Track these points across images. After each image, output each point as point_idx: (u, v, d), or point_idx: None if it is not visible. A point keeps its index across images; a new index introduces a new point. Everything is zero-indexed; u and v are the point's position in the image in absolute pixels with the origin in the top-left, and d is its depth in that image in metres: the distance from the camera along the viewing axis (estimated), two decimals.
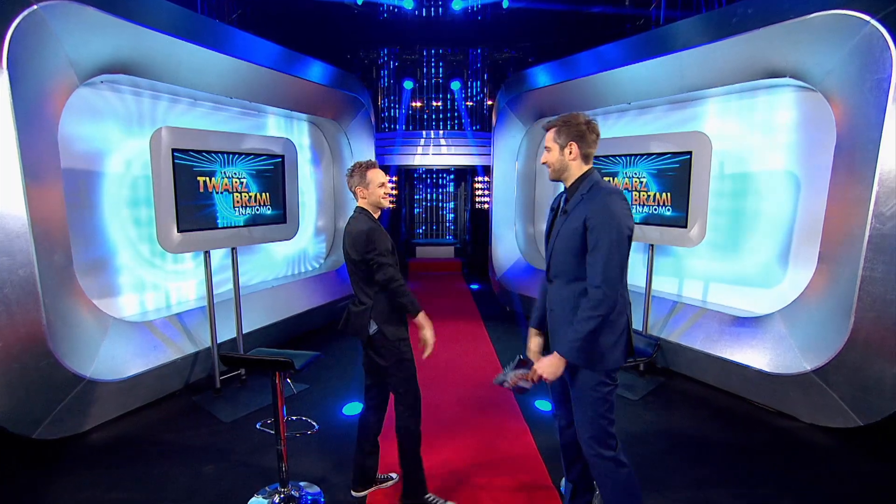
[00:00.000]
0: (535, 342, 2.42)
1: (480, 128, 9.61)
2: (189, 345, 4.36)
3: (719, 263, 4.86)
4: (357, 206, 2.71)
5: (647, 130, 5.30)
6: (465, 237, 11.21)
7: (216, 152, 4.05)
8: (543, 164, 2.20)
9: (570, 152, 2.15)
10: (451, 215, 11.74)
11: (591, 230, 2.01)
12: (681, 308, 4.79)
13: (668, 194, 4.27)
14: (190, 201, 3.88)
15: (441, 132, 9.17)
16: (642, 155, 4.46)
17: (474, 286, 8.94)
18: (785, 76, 3.81)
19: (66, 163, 3.68)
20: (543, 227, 7.22)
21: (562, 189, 2.29)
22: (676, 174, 4.22)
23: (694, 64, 4.37)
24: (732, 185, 4.69)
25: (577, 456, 2.46)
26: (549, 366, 2.12)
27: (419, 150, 8.96)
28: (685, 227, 4.19)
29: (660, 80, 4.75)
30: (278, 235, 4.70)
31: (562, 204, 2.22)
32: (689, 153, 4.11)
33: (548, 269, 2.25)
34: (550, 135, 2.17)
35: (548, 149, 2.18)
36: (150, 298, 4.65)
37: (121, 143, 4.30)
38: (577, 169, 2.16)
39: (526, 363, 2.20)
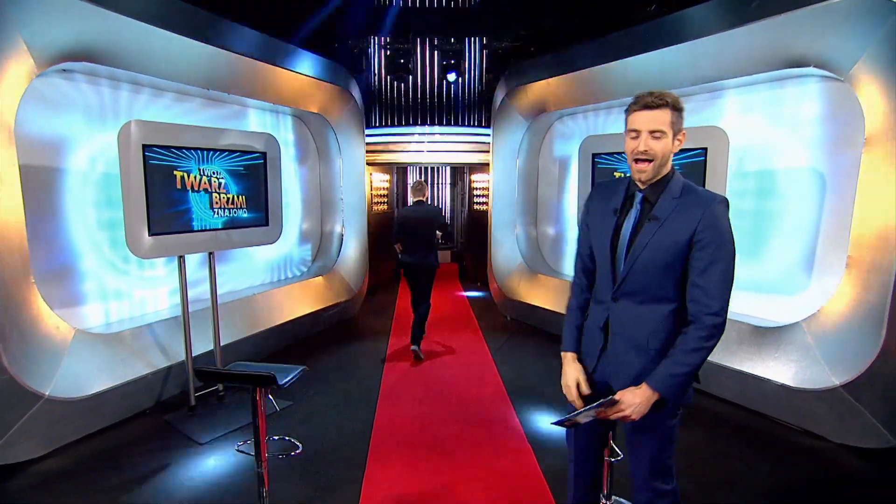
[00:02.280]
0: (576, 369, 2.07)
1: (479, 122, 9.57)
2: (161, 358, 4.30)
3: (738, 269, 4.74)
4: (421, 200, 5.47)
5: None
6: (462, 241, 11.19)
7: (192, 149, 3.99)
8: (643, 153, 1.84)
9: (679, 143, 1.88)
10: (448, 217, 11.73)
11: (706, 246, 1.80)
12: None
13: None
14: (162, 202, 3.82)
15: (436, 127, 9.14)
16: None
17: (472, 294, 8.93)
18: (809, 66, 3.76)
19: (24, 159, 3.60)
20: (549, 229, 7.23)
21: (617, 180, 2.05)
22: (691, 172, 4.11)
23: (710, 53, 4.33)
24: (751, 183, 4.66)
25: None
26: (640, 404, 1.83)
27: (412, 146, 8.92)
28: None
29: (673, 71, 4.72)
30: (260, 239, 4.67)
31: (637, 206, 1.94)
32: (705, 150, 4.06)
33: (615, 285, 1.96)
34: (665, 115, 1.82)
35: (657, 134, 1.83)
36: (118, 308, 4.59)
37: (85, 138, 4.22)
38: (669, 164, 1.91)
39: (609, 402, 1.87)
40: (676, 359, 1.82)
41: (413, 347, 5.53)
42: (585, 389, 2.03)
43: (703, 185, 4.00)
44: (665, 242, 1.85)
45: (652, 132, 1.82)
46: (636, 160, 1.87)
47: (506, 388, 4.67)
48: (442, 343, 6.08)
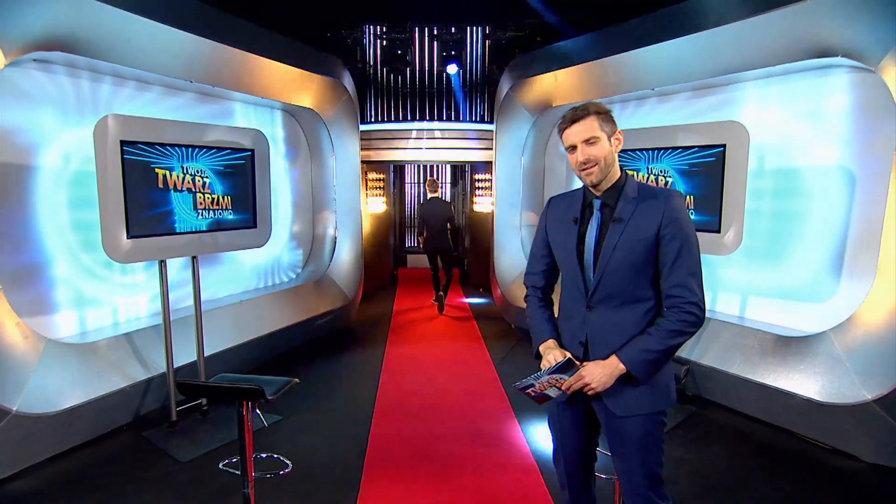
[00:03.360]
0: (562, 352, 2.08)
1: (481, 118, 9.56)
2: (140, 370, 4.27)
3: (759, 274, 4.81)
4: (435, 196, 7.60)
5: (673, 120, 5.26)
6: (463, 244, 11.20)
7: (174, 145, 3.98)
8: (584, 163, 2.00)
9: (618, 142, 2.04)
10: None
11: (672, 239, 1.95)
12: (714, 326, 4.72)
13: (697, 194, 4.22)
14: (142, 202, 3.81)
15: (435, 123, 9.12)
16: (668, 149, 4.40)
17: (474, 300, 8.97)
18: (837, 55, 3.72)
19: None
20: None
21: (572, 191, 2.20)
22: (708, 170, 4.16)
23: (729, 43, 4.31)
24: (773, 182, 4.63)
25: None
26: (602, 374, 1.96)
27: (410, 143, 8.91)
28: (718, 231, 4.13)
29: (689, 62, 4.70)
30: (247, 242, 4.66)
31: (597, 212, 2.07)
32: (723, 146, 4.07)
33: (589, 294, 2.06)
34: (593, 122, 1.99)
35: (592, 141, 1.99)
36: (93, 316, 4.56)
37: (58, 134, 4.19)
38: (616, 167, 2.06)
39: (570, 366, 1.98)
40: (652, 337, 1.95)
41: (439, 294, 7.99)
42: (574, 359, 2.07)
43: (722, 185, 4.12)
44: (633, 241, 1.98)
45: (585, 141, 1.99)
46: (581, 170, 2.02)
47: (510, 402, 4.65)
48: (442, 353, 6.07)
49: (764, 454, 3.78)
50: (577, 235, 2.09)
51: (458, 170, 11.31)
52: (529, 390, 2.06)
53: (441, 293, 7.93)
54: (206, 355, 4.48)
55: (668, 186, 4.44)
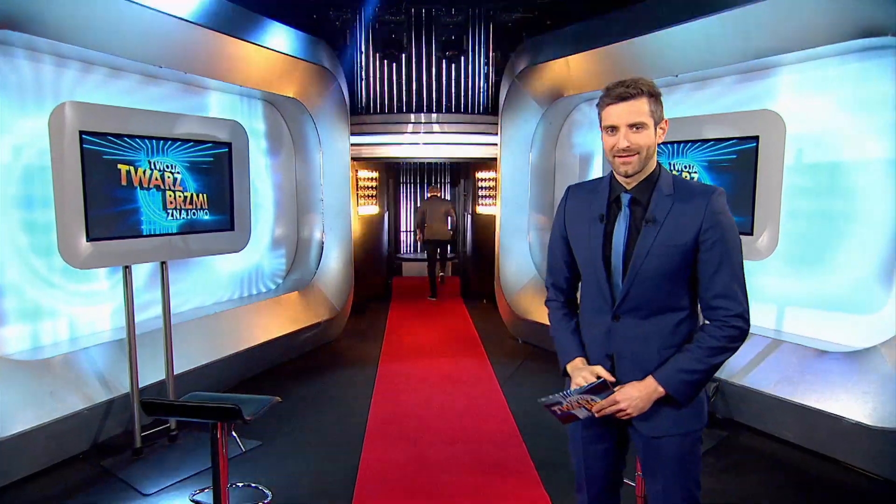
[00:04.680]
0: (591, 370, 2.03)
1: (484, 110, 9.55)
2: (100, 390, 4.25)
3: (798, 282, 4.78)
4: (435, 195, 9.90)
5: (698, 111, 5.26)
6: (464, 250, 11.21)
7: (141, 137, 3.96)
8: (625, 150, 1.89)
9: (662, 132, 1.96)
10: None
11: (714, 245, 1.88)
12: (747, 339, 4.60)
13: (726, 193, 4.11)
14: (104, 200, 3.78)
15: (434, 115, 9.12)
16: (693, 142, 4.37)
17: (476, 312, 8.98)
18: (886, 35, 3.69)
19: None
20: None
21: (595, 180, 2.14)
22: (738, 166, 4.13)
23: (763, 22, 4.28)
24: (814, 179, 4.61)
25: None
26: (638, 399, 1.91)
27: (406, 137, 8.91)
28: (751, 234, 4.08)
29: (719, 45, 4.70)
30: (223, 246, 4.69)
31: (626, 208, 1.99)
32: (756, 138, 4.02)
33: (616, 303, 2.00)
34: (644, 104, 1.89)
35: (639, 126, 1.89)
36: (48, 329, 4.53)
37: (9, 124, 4.17)
38: (654, 158, 1.99)
39: (604, 388, 1.94)
40: (693, 354, 1.90)
41: (440, 273, 10.42)
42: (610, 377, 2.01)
43: (755, 181, 4.06)
44: (668, 246, 1.92)
45: (631, 125, 1.89)
46: (618, 156, 1.93)
47: (518, 426, 4.62)
48: (441, 371, 6.05)
49: (805, 486, 3.76)
50: (602, 236, 2.02)
51: (460, 169, 11.31)
52: (556, 408, 2.02)
53: (439, 275, 10.06)
54: (175, 373, 4.44)
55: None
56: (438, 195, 9.91)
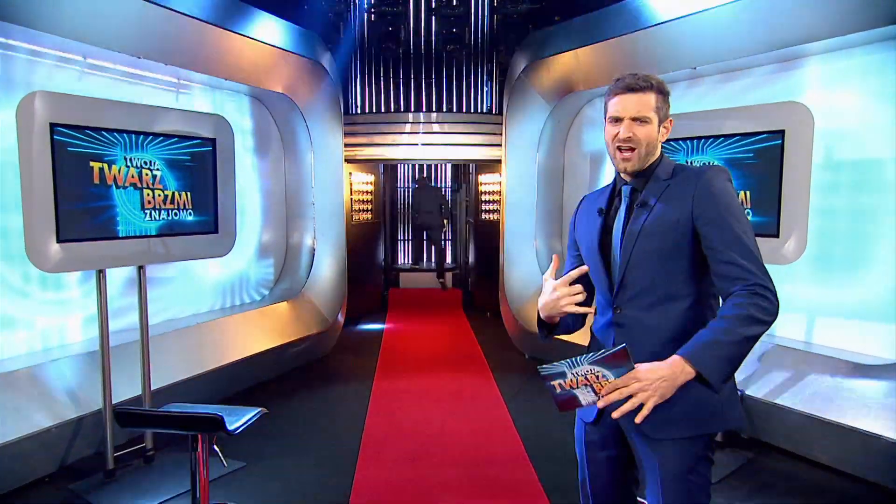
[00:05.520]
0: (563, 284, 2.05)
1: (488, 107, 9.55)
2: (69, 407, 4.23)
3: (829, 288, 4.76)
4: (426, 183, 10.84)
5: (720, 105, 5.24)
6: (466, 259, 11.25)
7: (117, 131, 3.95)
8: (625, 141, 1.98)
9: (666, 131, 2.05)
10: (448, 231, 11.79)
11: (711, 220, 1.88)
12: (773, 351, 4.67)
13: (750, 191, 4.20)
14: (76, 199, 3.76)
15: (434, 115, 9.17)
16: (713, 137, 4.37)
17: (480, 326, 8.99)
18: None
19: None
20: None
21: (606, 186, 2.22)
22: (763, 162, 4.12)
23: (788, 8, 4.31)
24: (844, 176, 4.61)
25: None
26: (664, 379, 1.71)
27: (404, 138, 8.96)
28: (776, 236, 4.07)
29: (740, 33, 4.71)
30: (207, 250, 4.72)
31: (625, 199, 2.08)
32: (782, 132, 4.02)
33: (614, 293, 2.04)
34: (651, 99, 1.98)
35: (642, 120, 1.97)
36: (11, 340, 4.51)
37: None
38: (657, 153, 2.07)
39: (623, 360, 1.70)
40: (721, 325, 1.78)
41: (440, 280, 10.82)
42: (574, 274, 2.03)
43: (780, 180, 4.07)
44: (658, 225, 1.96)
45: (635, 118, 1.97)
46: (619, 149, 2.01)
47: (525, 447, 4.60)
48: (442, 388, 6.05)
49: None
50: (600, 227, 2.12)
51: (461, 171, 11.36)
52: (556, 382, 1.77)
53: (440, 282, 10.86)
54: (153, 388, 4.42)
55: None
56: (428, 182, 11.21)
